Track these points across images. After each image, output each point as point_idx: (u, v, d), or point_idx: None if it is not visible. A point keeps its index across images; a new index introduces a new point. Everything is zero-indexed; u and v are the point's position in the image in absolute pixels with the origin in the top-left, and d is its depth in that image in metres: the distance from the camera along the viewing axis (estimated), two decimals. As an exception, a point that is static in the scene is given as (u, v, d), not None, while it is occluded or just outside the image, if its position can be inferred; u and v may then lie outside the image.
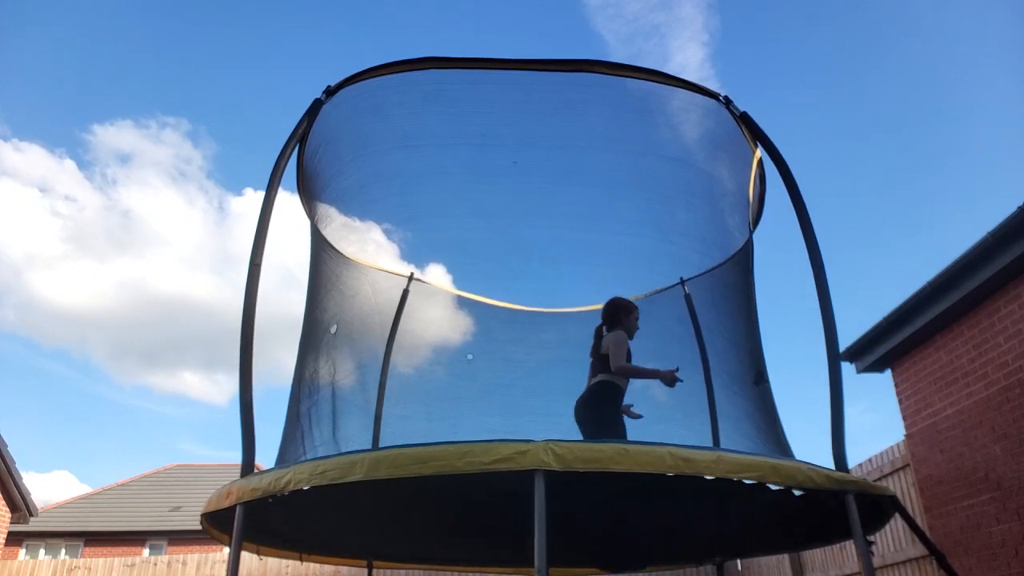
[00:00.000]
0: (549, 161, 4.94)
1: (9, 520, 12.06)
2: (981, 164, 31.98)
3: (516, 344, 5.94)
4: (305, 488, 3.02)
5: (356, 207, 5.15)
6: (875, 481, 5.81)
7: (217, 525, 4.01)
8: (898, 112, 30.06)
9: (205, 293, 37.55)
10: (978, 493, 5.02)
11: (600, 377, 4.34)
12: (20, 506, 11.96)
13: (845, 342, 6.34)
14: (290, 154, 4.13)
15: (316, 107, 4.25)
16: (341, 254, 5.32)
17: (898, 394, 6.14)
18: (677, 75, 4.35)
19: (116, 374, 41.06)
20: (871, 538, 3.89)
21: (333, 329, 5.05)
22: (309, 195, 4.91)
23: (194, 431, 44.07)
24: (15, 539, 18.09)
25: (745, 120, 4.40)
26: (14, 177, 33.02)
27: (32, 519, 12.79)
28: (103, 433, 40.56)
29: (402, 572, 8.75)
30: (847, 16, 26.89)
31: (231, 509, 3.37)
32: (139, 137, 35.53)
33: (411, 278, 5.98)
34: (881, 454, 6.42)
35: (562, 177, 5.05)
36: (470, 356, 6.01)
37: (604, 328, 4.51)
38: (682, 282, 5.62)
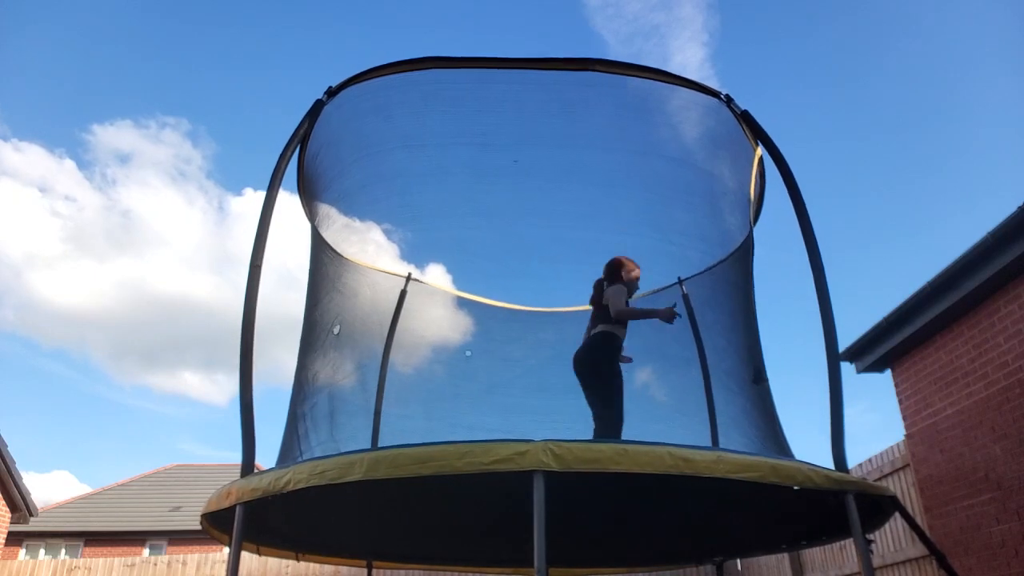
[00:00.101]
0: (549, 160, 4.95)
1: (9, 520, 12.06)
2: (981, 164, 32.00)
3: (515, 343, 5.95)
4: (304, 488, 3.02)
5: (357, 208, 5.15)
6: (875, 481, 5.81)
7: (217, 525, 4.01)
8: (898, 112, 30.08)
9: (205, 293, 37.59)
10: (978, 493, 5.02)
11: (600, 327, 4.43)
12: (20, 506, 11.96)
13: (845, 342, 6.35)
14: (291, 155, 4.14)
15: (317, 108, 4.25)
16: (341, 255, 5.32)
17: (898, 394, 6.14)
18: (680, 75, 4.35)
19: (116, 374, 41.10)
20: (870, 537, 3.89)
21: (336, 330, 5.06)
22: (310, 196, 4.91)
23: (194, 431, 44.11)
24: (15, 539, 18.10)
25: (746, 118, 4.40)
26: (14, 177, 33.06)
27: (32, 519, 12.80)
28: (103, 433, 40.60)
29: (402, 572, 8.75)
30: (847, 16, 26.90)
31: (231, 509, 3.37)
32: (139, 137, 35.56)
33: (409, 278, 5.98)
34: (881, 454, 6.42)
35: (562, 176, 5.06)
36: (468, 353, 6.01)
37: (604, 283, 4.58)
38: (680, 282, 5.62)
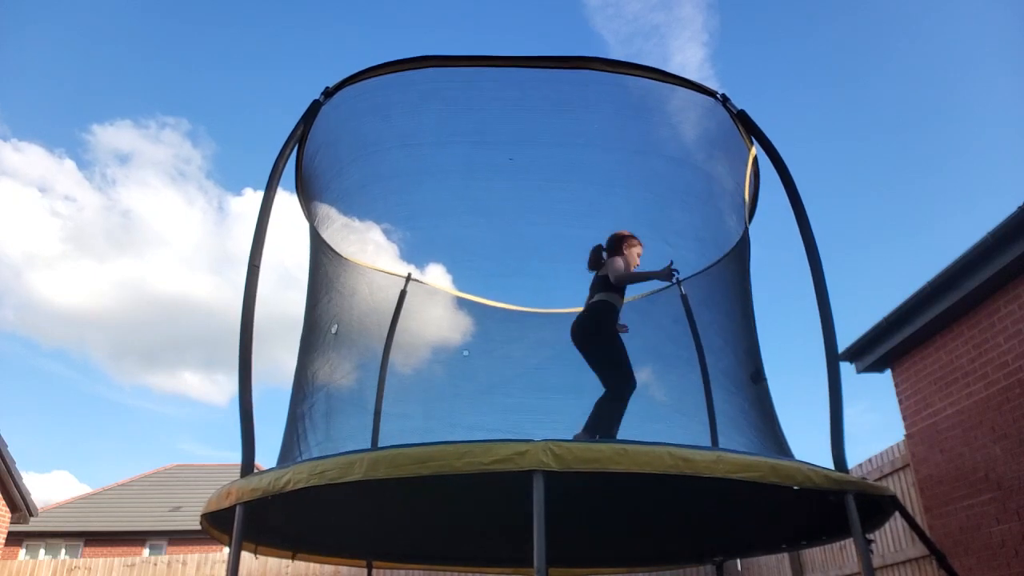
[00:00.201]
0: (547, 159, 4.96)
1: (9, 520, 12.06)
2: (981, 164, 31.99)
3: (515, 343, 5.95)
4: (304, 488, 3.02)
5: (356, 207, 5.15)
6: (875, 481, 5.81)
7: (217, 525, 4.01)
8: (898, 112, 30.08)
9: (205, 293, 37.58)
10: (978, 493, 5.02)
11: (597, 296, 4.46)
12: (20, 506, 11.96)
13: (845, 342, 6.35)
14: (288, 156, 4.13)
15: (314, 108, 4.25)
16: (340, 255, 5.32)
17: (898, 394, 6.13)
18: (677, 74, 4.35)
19: (116, 374, 41.09)
20: (870, 537, 3.89)
21: (334, 329, 5.06)
22: (308, 196, 4.91)
23: (194, 431, 44.10)
24: (15, 539, 18.09)
25: (741, 118, 4.40)
26: (14, 177, 33.05)
27: (32, 519, 12.79)
28: (103, 433, 40.59)
29: (401, 572, 8.75)
30: (847, 16, 26.90)
31: (231, 509, 3.37)
32: (138, 137, 35.55)
33: (408, 278, 5.98)
34: (881, 454, 6.42)
35: (561, 175, 5.07)
36: (466, 353, 6.02)
37: (604, 253, 4.62)
38: (678, 282, 5.62)
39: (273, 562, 9.50)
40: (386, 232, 5.61)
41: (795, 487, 3.11)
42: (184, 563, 10.06)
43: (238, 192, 42.57)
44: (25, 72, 28.22)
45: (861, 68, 28.73)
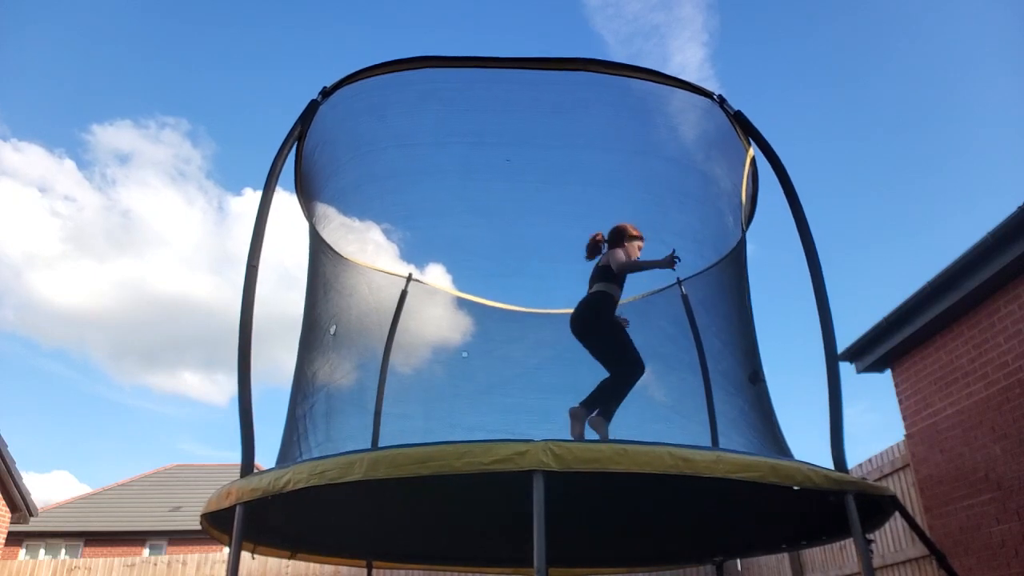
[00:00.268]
0: (546, 160, 4.96)
1: (9, 520, 12.06)
2: (981, 164, 31.99)
3: (515, 343, 5.95)
4: (304, 488, 3.02)
5: (354, 207, 5.16)
6: (875, 481, 5.81)
7: (217, 525, 4.01)
8: (898, 112, 30.08)
9: (205, 293, 37.58)
10: (978, 493, 5.02)
11: (596, 287, 4.46)
12: (20, 506, 11.96)
13: (845, 342, 6.35)
14: (286, 156, 4.13)
15: (312, 108, 4.25)
16: (339, 255, 5.32)
17: (898, 394, 6.13)
18: (676, 75, 4.37)
19: (116, 374, 41.08)
20: (870, 537, 3.89)
21: (333, 330, 5.06)
22: (307, 196, 4.91)
23: (194, 431, 44.09)
24: (15, 539, 18.09)
25: (739, 119, 4.40)
26: (14, 177, 33.05)
27: (32, 519, 12.79)
28: (103, 433, 40.58)
29: (401, 572, 8.75)
30: (847, 16, 26.89)
31: (231, 509, 3.38)
32: (138, 137, 35.55)
33: (409, 278, 5.98)
34: (881, 454, 6.42)
35: (559, 176, 5.07)
36: (465, 354, 6.01)
37: (604, 245, 4.63)
38: (679, 282, 5.62)
39: (273, 562, 9.50)
40: (386, 232, 5.62)
41: (795, 487, 3.11)
42: (184, 563, 10.06)
43: (238, 192, 42.60)
44: (25, 72, 28.23)
45: (861, 68, 28.75)
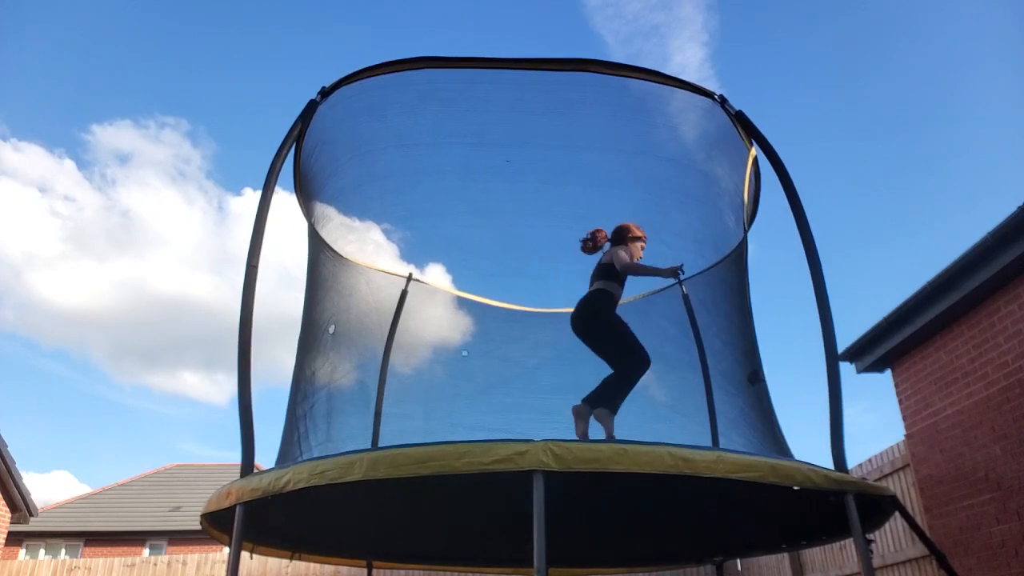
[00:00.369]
0: (546, 160, 4.96)
1: (9, 520, 12.06)
2: (981, 164, 31.99)
3: (515, 343, 5.94)
4: (304, 488, 3.02)
5: (354, 207, 5.16)
6: (875, 481, 5.81)
7: (217, 525, 4.01)
8: (898, 112, 30.08)
9: (205, 293, 37.58)
10: (978, 493, 5.02)
11: (596, 285, 4.45)
12: (20, 506, 11.96)
13: (845, 342, 6.35)
14: (285, 156, 4.13)
15: (311, 108, 4.25)
16: (339, 254, 5.32)
17: (898, 394, 6.13)
18: (676, 75, 4.37)
19: (116, 374, 41.08)
20: (871, 537, 3.89)
21: (332, 330, 5.06)
22: (307, 196, 4.91)
23: (194, 431, 44.09)
24: (15, 539, 18.09)
25: (740, 119, 4.40)
26: (13, 177, 33.05)
27: (32, 519, 12.79)
28: (103, 433, 40.58)
29: (401, 572, 8.75)
30: (847, 16, 26.89)
31: (231, 509, 3.37)
32: (138, 137, 35.55)
33: (409, 278, 5.98)
34: (881, 454, 6.42)
35: (559, 176, 5.07)
36: (465, 353, 6.01)
37: (607, 244, 4.63)
38: (679, 282, 5.62)
39: (273, 562, 9.50)
40: (386, 232, 5.62)
41: (795, 487, 3.11)
42: (184, 563, 10.06)
43: (238, 192, 42.61)
44: (25, 72, 28.23)
45: (861, 68, 28.75)
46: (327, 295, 5.17)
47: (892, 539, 5.97)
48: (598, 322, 4.39)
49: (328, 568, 9.45)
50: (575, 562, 5.76)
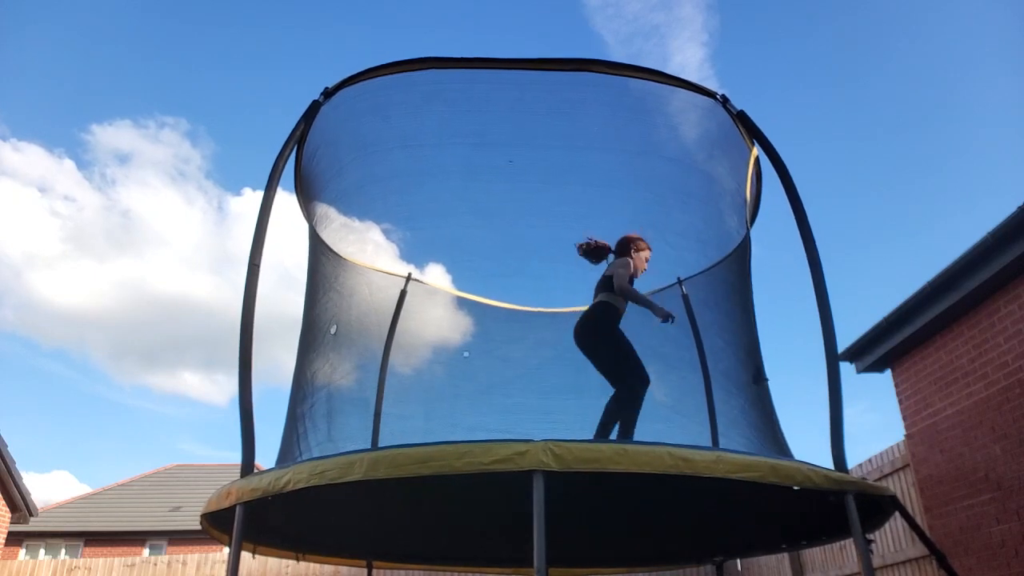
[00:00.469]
0: (547, 160, 4.96)
1: (9, 520, 12.06)
2: (981, 164, 31.99)
3: (515, 343, 5.94)
4: (304, 488, 3.02)
5: (355, 207, 5.16)
6: (875, 481, 5.81)
7: (217, 525, 4.01)
8: (898, 112, 30.08)
9: (205, 293, 37.58)
10: (978, 493, 5.02)
11: (600, 297, 4.44)
12: (20, 506, 11.96)
13: (845, 342, 6.35)
14: (288, 156, 4.14)
15: (314, 109, 4.25)
16: (339, 255, 5.32)
17: (898, 394, 6.13)
18: (676, 75, 4.36)
19: (116, 374, 41.09)
20: (870, 537, 3.89)
21: (333, 330, 5.06)
22: (308, 197, 4.91)
23: (194, 431, 44.10)
24: (15, 539, 18.09)
25: (742, 118, 4.40)
26: (13, 177, 33.05)
27: (32, 519, 12.79)
28: (103, 433, 40.58)
29: (401, 572, 8.75)
30: (847, 16, 26.90)
31: (231, 509, 3.38)
32: (138, 137, 35.55)
33: (409, 278, 5.98)
34: (881, 454, 6.42)
35: (560, 176, 5.06)
36: (466, 354, 6.01)
37: (611, 255, 4.63)
38: (679, 282, 5.62)
39: (273, 562, 9.50)
40: (386, 232, 5.62)
41: (795, 487, 3.11)
42: (184, 563, 10.06)
43: (237, 192, 42.60)
44: (25, 72, 28.23)
45: (861, 68, 28.75)
46: (327, 295, 5.17)
47: (892, 539, 5.97)
48: (599, 337, 4.37)
49: (328, 568, 9.45)
50: (575, 562, 5.76)
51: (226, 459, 28.20)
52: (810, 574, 7.46)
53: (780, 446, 4.49)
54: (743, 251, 5.04)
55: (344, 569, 8.80)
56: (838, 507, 3.27)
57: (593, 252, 4.68)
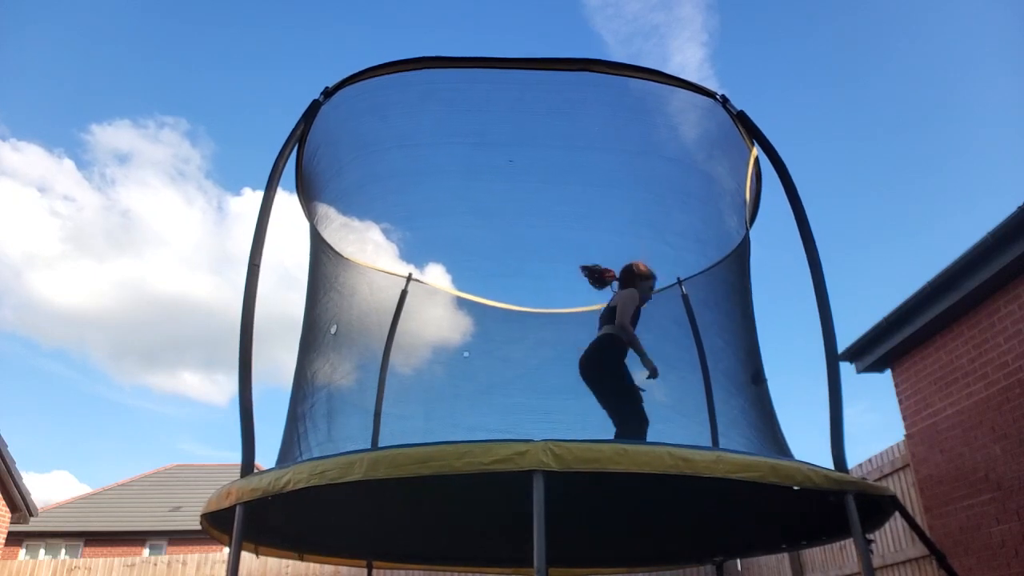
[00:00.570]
0: (547, 160, 4.95)
1: (9, 520, 12.06)
2: (981, 164, 32.00)
3: (515, 344, 5.94)
4: (304, 488, 3.02)
5: (355, 207, 5.15)
6: (875, 481, 5.81)
7: (217, 525, 4.01)
8: (898, 112, 30.08)
9: (204, 293, 37.59)
10: (978, 493, 5.02)
11: (605, 329, 4.42)
12: (20, 506, 11.96)
13: (845, 342, 6.35)
14: (288, 155, 4.14)
15: (314, 108, 4.25)
16: (340, 255, 5.32)
17: (898, 394, 6.13)
18: (676, 75, 4.36)
19: (116, 374, 41.10)
20: (870, 537, 3.89)
21: (333, 330, 5.06)
22: (308, 196, 4.91)
23: (194, 431, 44.11)
24: (15, 539, 18.09)
25: (741, 118, 4.40)
26: (13, 177, 33.05)
27: (32, 519, 12.79)
28: (103, 433, 40.59)
29: (402, 572, 8.75)
30: (847, 16, 26.90)
31: (231, 509, 3.37)
32: (137, 137, 35.56)
33: (409, 278, 5.98)
34: (881, 454, 6.42)
35: (560, 176, 5.06)
36: (466, 354, 6.01)
37: (616, 283, 4.63)
38: (679, 282, 5.62)
39: (273, 562, 9.50)
40: (385, 232, 5.62)
41: (795, 487, 3.11)
42: (184, 563, 10.06)
43: (237, 192, 42.61)
44: (25, 72, 28.24)
45: (861, 68, 28.75)
46: (328, 295, 5.17)
47: (892, 539, 5.97)
48: (604, 371, 4.35)
49: (328, 568, 9.45)
50: (575, 562, 5.76)
51: (226, 459, 28.22)
52: (810, 574, 7.46)
53: (780, 446, 4.49)
54: (743, 251, 5.04)
55: (344, 569, 8.80)
56: (838, 507, 3.27)
57: (597, 279, 4.66)
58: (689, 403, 5.31)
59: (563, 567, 5.58)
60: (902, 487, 5.99)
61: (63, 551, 19.25)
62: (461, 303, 6.11)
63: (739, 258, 5.08)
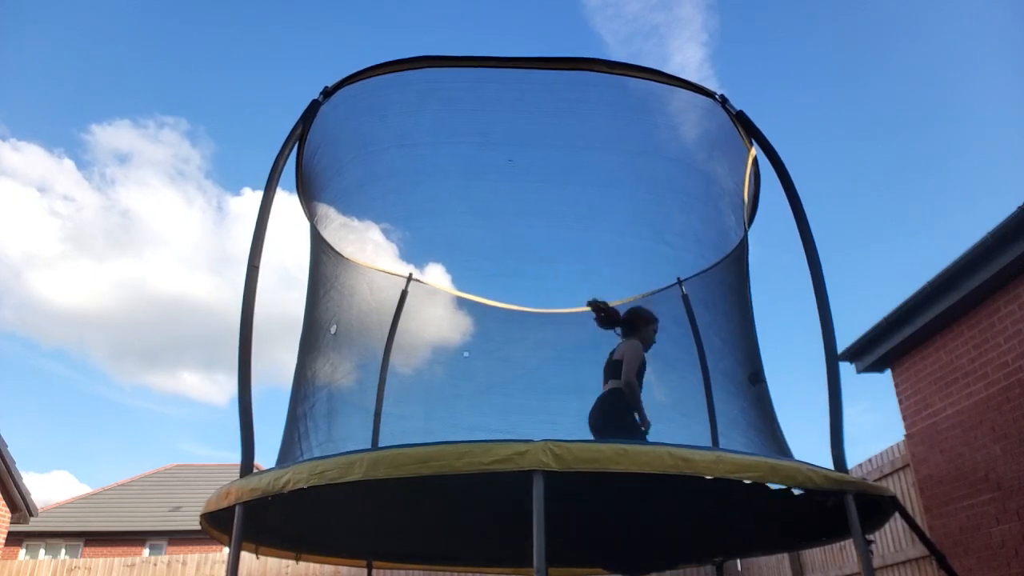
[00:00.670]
0: (547, 160, 4.95)
1: (9, 520, 12.06)
2: (981, 164, 32.01)
3: (515, 344, 5.94)
4: (304, 488, 3.02)
5: (355, 207, 5.15)
6: (875, 481, 5.81)
7: (217, 525, 4.00)
8: (898, 112, 30.07)
9: (204, 293, 37.59)
10: (978, 493, 5.02)
11: (611, 384, 4.41)
12: (20, 506, 11.96)
13: (845, 342, 6.35)
14: (287, 156, 4.13)
15: (313, 108, 4.24)
16: (340, 254, 5.32)
17: (898, 394, 6.13)
18: (676, 75, 4.35)
19: (116, 374, 41.11)
20: (870, 537, 3.88)
21: (333, 330, 5.05)
22: (308, 196, 4.91)
23: (194, 431, 44.13)
24: (15, 539, 18.09)
25: (741, 118, 4.40)
26: (13, 177, 33.05)
27: (32, 519, 12.80)
28: (103, 433, 40.60)
29: (401, 572, 8.75)
30: (847, 16, 26.89)
31: (231, 509, 3.37)
32: (137, 137, 35.57)
33: (410, 278, 5.98)
34: (881, 454, 6.42)
35: (560, 176, 5.06)
36: (466, 354, 6.01)
37: (620, 328, 4.61)
38: (679, 282, 5.62)
39: (273, 562, 9.50)
40: (385, 232, 5.61)
41: (795, 490, 3.11)
42: (184, 563, 10.06)
43: (237, 192, 42.62)
44: (25, 72, 28.24)
45: (861, 68, 28.75)
46: (328, 295, 5.17)
47: (892, 539, 5.97)
48: (611, 426, 4.33)
49: (328, 568, 9.45)
50: (575, 562, 5.75)
51: (226, 459, 28.23)
52: (810, 574, 7.46)
53: (780, 446, 4.49)
54: (741, 251, 5.04)
55: (344, 569, 8.80)
56: (838, 507, 3.27)
57: (603, 319, 4.65)
58: (689, 403, 5.31)
59: (563, 567, 5.58)
60: (902, 487, 5.99)
61: (63, 551, 19.25)
62: (461, 303, 6.10)
63: (738, 258, 5.08)
